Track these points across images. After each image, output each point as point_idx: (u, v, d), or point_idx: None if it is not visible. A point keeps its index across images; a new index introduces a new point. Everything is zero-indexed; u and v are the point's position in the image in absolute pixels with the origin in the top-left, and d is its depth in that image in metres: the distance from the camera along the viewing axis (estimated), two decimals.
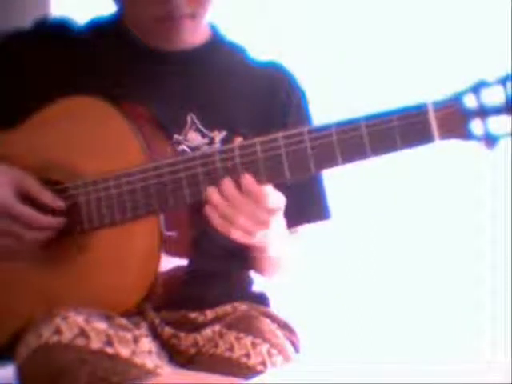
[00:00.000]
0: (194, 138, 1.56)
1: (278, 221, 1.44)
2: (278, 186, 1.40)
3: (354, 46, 2.10)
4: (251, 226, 1.38)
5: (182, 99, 1.57)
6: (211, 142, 1.56)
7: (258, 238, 1.41)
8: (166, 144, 1.51)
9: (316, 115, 1.64)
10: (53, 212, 1.47)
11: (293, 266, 1.66)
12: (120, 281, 1.46)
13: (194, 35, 1.58)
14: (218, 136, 1.57)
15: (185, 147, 1.55)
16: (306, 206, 1.61)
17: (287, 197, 1.43)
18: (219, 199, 1.37)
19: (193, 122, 1.57)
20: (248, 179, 1.36)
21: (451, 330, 1.42)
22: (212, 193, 1.38)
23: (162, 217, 1.44)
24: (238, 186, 1.37)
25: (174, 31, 1.54)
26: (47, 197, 1.48)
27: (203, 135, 1.56)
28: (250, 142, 1.37)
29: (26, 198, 1.48)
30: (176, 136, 1.55)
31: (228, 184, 1.37)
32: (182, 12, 1.50)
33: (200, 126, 1.57)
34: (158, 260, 1.44)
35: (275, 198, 1.39)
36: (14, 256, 1.49)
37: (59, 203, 1.48)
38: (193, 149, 1.54)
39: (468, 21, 1.97)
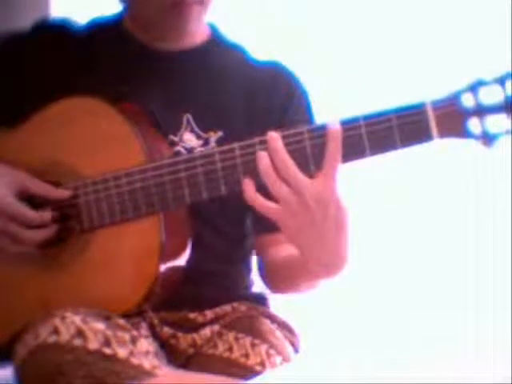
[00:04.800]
0: (190, 138, 1.56)
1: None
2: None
3: (352, 45, 2.10)
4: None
5: (180, 99, 1.57)
6: (206, 142, 1.56)
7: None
8: (165, 144, 1.51)
9: (315, 114, 1.64)
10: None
11: None
12: (120, 281, 1.45)
13: (199, 26, 1.59)
14: (214, 137, 1.56)
15: (180, 148, 1.55)
16: None
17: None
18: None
19: (188, 123, 1.56)
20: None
21: (450, 331, 1.41)
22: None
23: (161, 217, 1.44)
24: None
25: (184, 18, 1.53)
26: (53, 191, 1.48)
27: (198, 136, 1.56)
28: (250, 141, 1.36)
29: (27, 200, 1.48)
30: (171, 137, 1.55)
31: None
32: None
33: (195, 127, 1.56)
34: (157, 260, 1.44)
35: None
36: (13, 257, 1.49)
37: (67, 193, 1.47)
38: (188, 150, 1.54)
39: (466, 19, 1.97)
